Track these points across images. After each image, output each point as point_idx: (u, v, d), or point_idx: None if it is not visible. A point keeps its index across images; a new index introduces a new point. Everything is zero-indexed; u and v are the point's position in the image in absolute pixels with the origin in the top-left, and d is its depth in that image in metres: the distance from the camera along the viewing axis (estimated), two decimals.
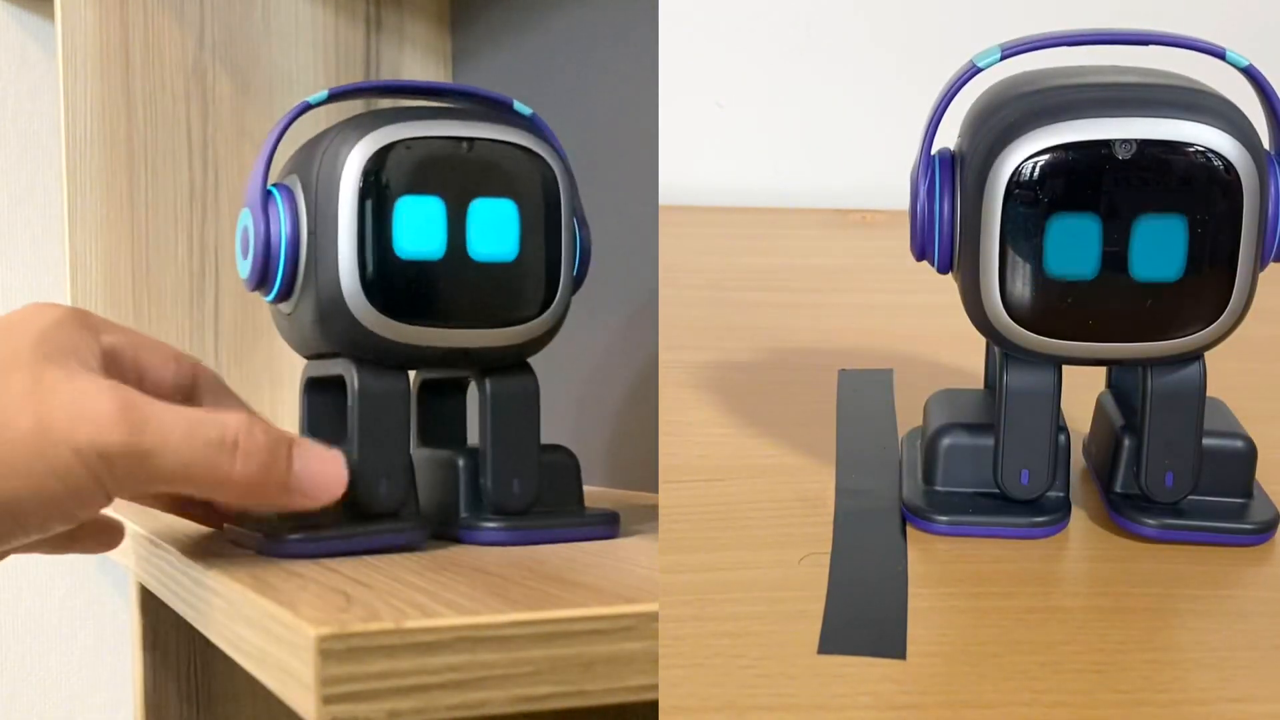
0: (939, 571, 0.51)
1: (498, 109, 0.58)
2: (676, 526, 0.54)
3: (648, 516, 0.65)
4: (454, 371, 0.60)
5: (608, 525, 0.57)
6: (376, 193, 0.53)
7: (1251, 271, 0.50)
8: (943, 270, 0.53)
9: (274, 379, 0.94)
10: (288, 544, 0.53)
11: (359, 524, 0.54)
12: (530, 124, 0.58)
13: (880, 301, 0.85)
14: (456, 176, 0.53)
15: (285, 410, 0.95)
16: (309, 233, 0.54)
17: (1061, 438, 0.53)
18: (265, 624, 0.43)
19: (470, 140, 0.54)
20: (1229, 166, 0.48)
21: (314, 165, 0.54)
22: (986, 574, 0.50)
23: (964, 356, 0.69)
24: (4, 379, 0.46)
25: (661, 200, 0.77)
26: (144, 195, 0.90)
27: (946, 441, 0.55)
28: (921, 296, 0.79)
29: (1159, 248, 0.49)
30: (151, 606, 0.86)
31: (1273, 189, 0.50)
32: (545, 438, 0.58)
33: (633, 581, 0.47)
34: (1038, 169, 0.49)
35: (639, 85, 0.78)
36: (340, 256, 0.53)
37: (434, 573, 0.50)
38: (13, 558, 0.53)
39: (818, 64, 1.13)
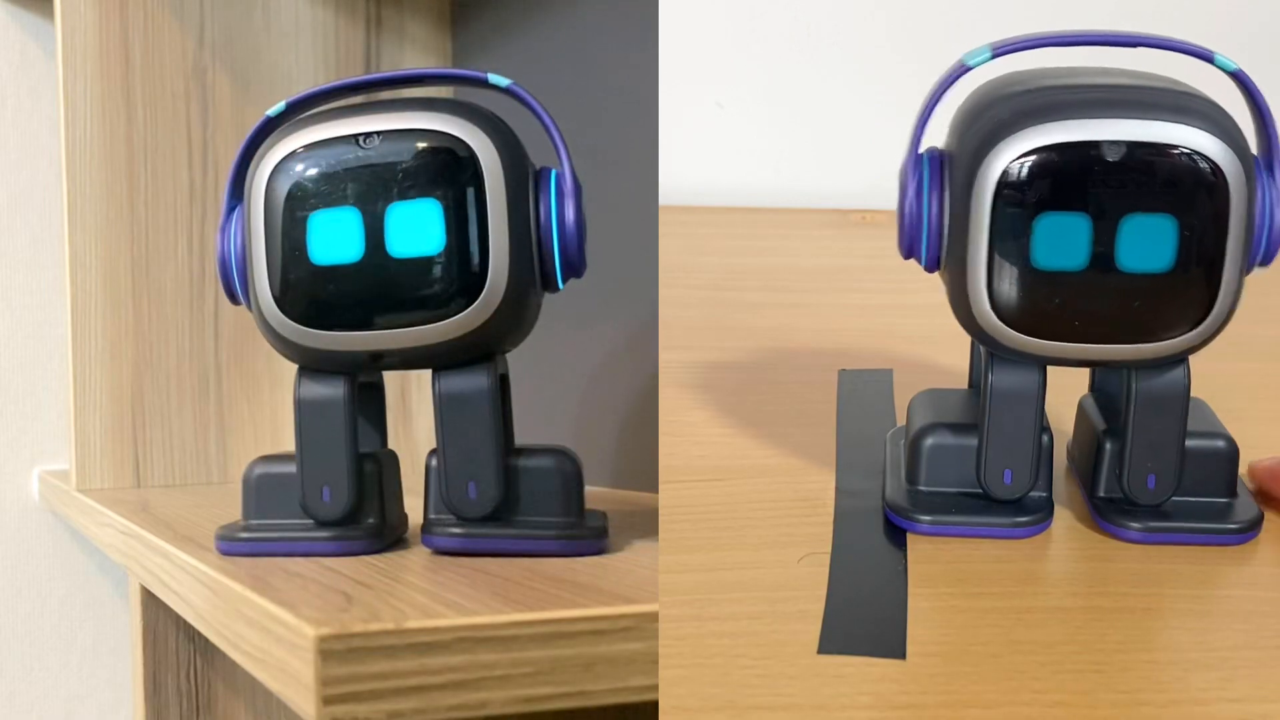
0: (939, 571, 0.51)
1: (471, 84, 0.56)
2: (676, 526, 0.54)
3: (648, 516, 0.65)
4: (411, 369, 0.58)
5: (578, 542, 0.54)
6: (285, 205, 0.52)
7: (1237, 274, 0.50)
8: (930, 269, 0.53)
9: (274, 379, 0.94)
10: (233, 543, 0.55)
11: (308, 530, 0.55)
12: (510, 93, 0.55)
13: (880, 301, 0.85)
14: (363, 179, 0.52)
15: (286, 411, 0.95)
16: (246, 249, 0.54)
17: (1045, 438, 0.53)
18: (265, 624, 0.43)
19: (365, 135, 0.52)
20: (1216, 170, 0.48)
21: (247, 182, 0.54)
22: (986, 574, 0.50)
23: (963, 356, 0.69)
24: None
25: (661, 200, 0.77)
26: (144, 195, 0.90)
27: (930, 441, 0.55)
28: (921, 296, 0.79)
29: (1146, 250, 0.49)
30: (151, 606, 0.86)
31: (1259, 193, 0.50)
32: (545, 438, 0.58)
33: (633, 581, 0.47)
34: (1026, 169, 0.49)
35: (639, 85, 0.78)
36: (258, 272, 0.53)
37: (434, 573, 0.50)
38: (11, 561, 0.53)
39: (818, 64, 1.13)
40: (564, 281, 0.54)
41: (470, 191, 0.52)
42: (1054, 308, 0.50)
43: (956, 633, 0.46)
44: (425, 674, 0.40)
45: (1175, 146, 0.48)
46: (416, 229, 0.52)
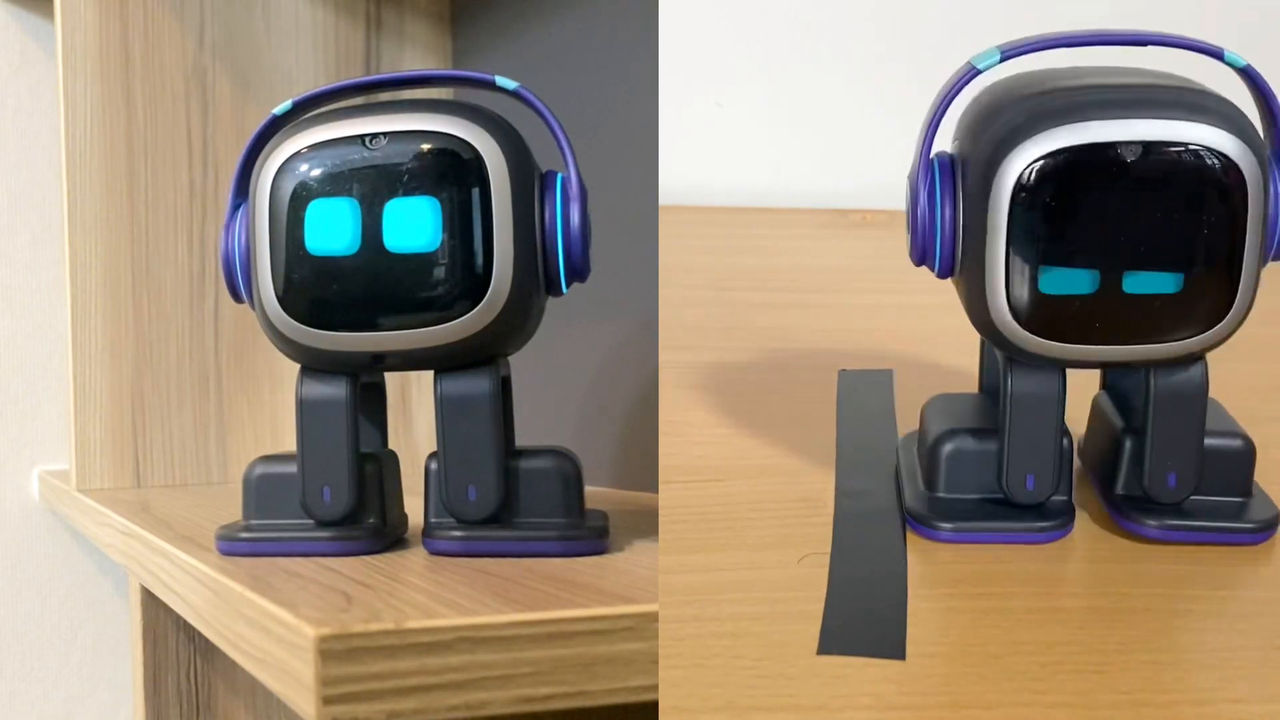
0: (939, 572, 0.51)
1: (478, 86, 0.56)
2: (676, 526, 0.54)
3: (648, 516, 0.65)
4: (413, 370, 0.57)
5: (578, 542, 0.54)
6: (289, 204, 0.52)
7: (1255, 271, 0.50)
8: (943, 275, 0.53)
9: (274, 380, 0.94)
10: (233, 543, 0.55)
11: (309, 530, 0.55)
12: (517, 96, 0.55)
13: (880, 301, 0.84)
14: (367, 177, 0.52)
15: (286, 411, 0.95)
16: (250, 248, 0.54)
17: (1065, 442, 0.53)
18: (265, 624, 0.43)
19: (372, 136, 0.52)
20: (1234, 167, 0.48)
21: (252, 181, 0.54)
22: (986, 575, 0.50)
23: (963, 357, 0.69)
24: None
25: (661, 200, 0.77)
26: (144, 195, 0.90)
27: (949, 447, 0.54)
28: (921, 296, 0.79)
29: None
30: (151, 606, 0.86)
31: (1273, 189, 0.50)
32: (545, 438, 0.58)
33: (633, 582, 0.47)
34: (1045, 172, 0.49)
35: (639, 85, 0.78)
36: (261, 270, 0.53)
37: (434, 573, 0.50)
38: (11, 561, 0.53)
39: (818, 64, 1.12)
40: (568, 285, 0.54)
41: (475, 194, 0.52)
42: (1073, 311, 0.50)
43: (956, 633, 0.46)
44: (425, 674, 0.40)
45: (1193, 146, 0.48)
46: (412, 223, 0.52)
